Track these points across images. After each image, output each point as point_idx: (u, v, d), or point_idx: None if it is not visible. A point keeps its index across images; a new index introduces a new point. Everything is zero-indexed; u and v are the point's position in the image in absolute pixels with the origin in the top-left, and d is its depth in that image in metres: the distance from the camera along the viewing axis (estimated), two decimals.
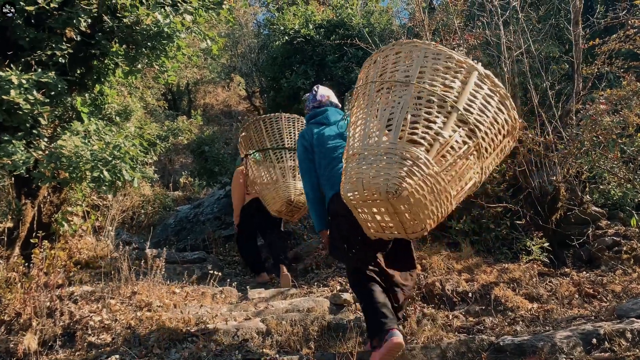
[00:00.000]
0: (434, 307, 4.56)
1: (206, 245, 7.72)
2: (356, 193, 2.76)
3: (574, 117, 5.63)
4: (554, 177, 5.48)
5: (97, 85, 5.58)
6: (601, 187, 5.68)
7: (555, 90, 6.08)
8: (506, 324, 4.00)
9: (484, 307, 4.53)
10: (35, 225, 5.13)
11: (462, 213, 5.73)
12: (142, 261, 5.76)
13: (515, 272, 4.97)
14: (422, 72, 2.72)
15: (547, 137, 4.97)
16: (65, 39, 4.65)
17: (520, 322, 3.96)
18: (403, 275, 3.32)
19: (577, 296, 4.46)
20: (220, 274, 6.02)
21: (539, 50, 6.47)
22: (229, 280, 5.87)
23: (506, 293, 4.58)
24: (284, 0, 10.94)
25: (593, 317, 3.88)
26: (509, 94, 2.80)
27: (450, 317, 4.33)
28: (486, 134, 2.72)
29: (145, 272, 4.72)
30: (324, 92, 3.90)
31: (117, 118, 11.07)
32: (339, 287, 5.08)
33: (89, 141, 4.46)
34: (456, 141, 2.64)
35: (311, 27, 9.36)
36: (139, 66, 4.92)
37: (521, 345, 3.01)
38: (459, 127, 2.67)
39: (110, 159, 4.46)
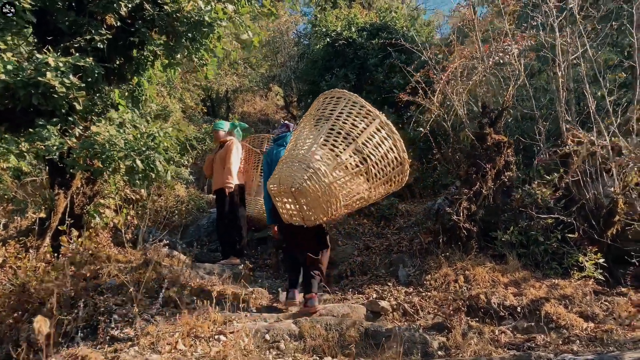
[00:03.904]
0: (478, 320, 4.23)
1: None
2: (274, 186, 3.94)
3: (634, 125, 5.22)
4: (612, 189, 5.08)
5: (135, 77, 5.49)
6: None
7: (614, 97, 5.68)
8: (560, 342, 3.64)
9: (533, 324, 4.17)
10: (66, 216, 5.05)
11: (508, 223, 5.38)
12: (172, 258, 5.64)
13: (566, 288, 4.60)
14: (341, 112, 3.85)
15: (606, 144, 4.60)
16: (105, 26, 4.56)
17: (577, 342, 3.60)
18: (318, 255, 4.34)
19: (638, 318, 4.06)
20: (251, 274, 5.87)
21: (596, 56, 6.08)
22: (259, 281, 5.67)
23: (558, 310, 4.22)
24: (327, 2, 10.80)
25: None
26: (401, 139, 3.80)
27: (497, 332, 4.00)
28: (376, 163, 3.78)
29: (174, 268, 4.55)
30: (292, 125, 5.03)
31: (156, 119, 11.10)
32: (375, 295, 4.80)
33: (123, 130, 4.34)
34: (350, 163, 3.73)
35: (353, 29, 9.16)
36: (178, 57, 4.78)
37: None
38: (354, 154, 3.75)
39: (144, 148, 4.32)
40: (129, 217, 5.36)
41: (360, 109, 3.79)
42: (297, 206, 3.87)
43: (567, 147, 4.92)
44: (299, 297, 4.40)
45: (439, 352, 3.20)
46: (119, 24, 4.39)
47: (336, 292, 5.02)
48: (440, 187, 8.01)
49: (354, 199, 3.85)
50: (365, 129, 3.73)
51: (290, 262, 4.65)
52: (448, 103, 5.63)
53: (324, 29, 9.23)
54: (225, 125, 6.66)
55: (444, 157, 6.09)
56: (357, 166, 3.74)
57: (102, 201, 5.19)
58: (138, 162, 4.13)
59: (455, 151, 5.58)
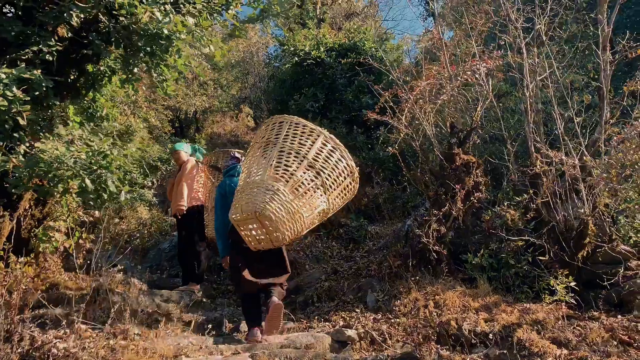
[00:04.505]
0: (448, 348, 4.04)
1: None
2: (237, 215, 3.94)
3: (602, 146, 5.18)
4: (582, 210, 5.01)
5: (90, 93, 5.22)
6: (635, 223, 5.16)
7: (581, 119, 5.66)
8: None
9: (505, 351, 3.99)
10: (12, 240, 4.70)
11: (479, 246, 5.25)
12: (126, 284, 5.31)
13: (538, 313, 4.45)
14: (287, 134, 4.08)
15: (577, 163, 4.52)
16: (57, 37, 4.31)
17: None
18: (278, 279, 4.36)
19: (614, 342, 3.92)
20: (209, 302, 5.57)
21: (563, 77, 6.08)
22: (220, 309, 5.38)
23: (530, 336, 4.05)
24: (296, 21, 10.71)
25: None
26: (346, 150, 4.19)
27: None
28: (329, 175, 4.05)
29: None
30: (239, 155, 5.11)
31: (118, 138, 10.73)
32: (341, 323, 4.57)
33: (73, 147, 4.06)
34: (305, 179, 3.94)
35: (322, 49, 9.07)
36: (135, 70, 4.53)
37: None
38: (308, 170, 3.98)
39: (95, 167, 4.04)
40: (81, 241, 5.02)
41: (303, 128, 4.08)
42: (264, 230, 3.94)
43: (537, 167, 4.83)
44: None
45: None
46: (70, 35, 4.13)
47: (301, 320, 4.77)
48: (411, 208, 7.89)
49: (315, 212, 4.07)
50: (312, 145, 4.01)
51: (250, 302, 4.31)
52: (416, 122, 5.52)
53: (292, 48, 9.11)
54: (185, 147, 6.41)
55: (413, 178, 5.96)
56: (313, 180, 3.98)
57: (51, 224, 4.84)
58: (87, 181, 3.84)
59: (424, 172, 5.45)
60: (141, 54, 4.64)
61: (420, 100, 5.55)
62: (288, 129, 4.10)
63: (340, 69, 8.71)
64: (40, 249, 4.91)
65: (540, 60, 5.61)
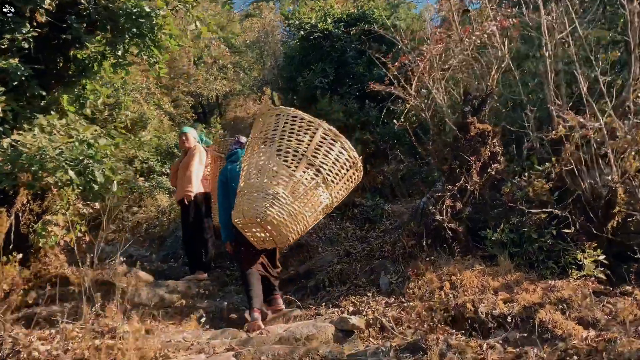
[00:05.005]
0: (464, 333, 3.74)
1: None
2: (240, 219, 4.03)
3: (632, 106, 4.72)
4: (609, 177, 4.58)
5: (82, 80, 5.01)
6: None
7: (608, 79, 5.17)
8: (555, 358, 3.15)
9: (526, 335, 3.67)
10: (12, 237, 4.59)
11: (499, 221, 4.88)
12: (130, 276, 5.16)
13: (564, 290, 4.09)
14: (284, 130, 3.96)
15: (600, 126, 4.11)
16: (36, 23, 4.09)
17: (575, 356, 3.10)
18: (274, 270, 4.66)
19: None
20: (217, 291, 5.39)
21: (586, 34, 5.58)
22: (229, 297, 5.19)
23: (554, 317, 3.71)
24: None
25: None
26: (347, 141, 4.06)
27: (485, 347, 3.50)
28: (330, 170, 3.99)
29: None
30: (244, 140, 5.00)
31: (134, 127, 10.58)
32: (351, 308, 4.31)
33: (55, 138, 3.86)
34: (306, 179, 3.91)
35: (330, 21, 8.66)
36: (120, 53, 4.30)
37: None
38: (307, 168, 3.93)
39: (81, 158, 3.84)
40: (80, 234, 4.87)
41: (301, 122, 3.98)
42: (267, 233, 4.05)
43: (557, 131, 4.42)
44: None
45: None
46: (45, 19, 3.91)
47: (310, 307, 4.54)
48: (430, 184, 7.53)
49: (319, 209, 4.10)
50: (311, 140, 3.94)
51: (252, 279, 4.39)
52: (424, 91, 5.14)
53: (297, 22, 8.74)
54: (193, 132, 6.23)
55: (426, 152, 5.60)
56: (313, 179, 3.94)
57: (49, 218, 4.70)
58: (71, 173, 3.65)
59: (437, 144, 5.09)
60: (127, 36, 4.40)
61: (430, 68, 5.16)
62: (285, 123, 4.00)
63: (349, 41, 8.31)
64: (40, 245, 4.80)
65: (559, 16, 5.13)
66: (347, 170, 4.11)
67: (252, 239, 4.17)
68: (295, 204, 3.85)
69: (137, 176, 10.39)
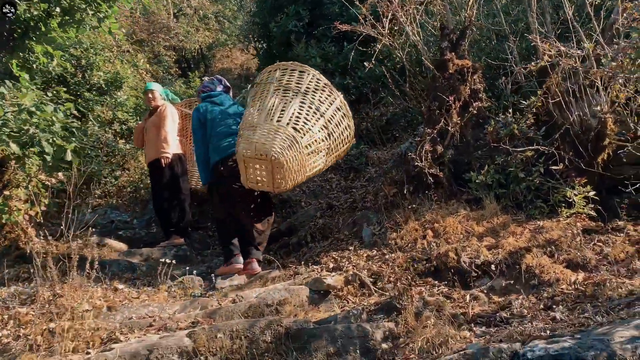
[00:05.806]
0: (447, 284, 3.56)
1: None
2: (249, 151, 3.99)
3: (621, 29, 4.36)
4: (598, 107, 4.29)
5: (30, 43, 4.64)
6: None
7: (597, 1, 4.78)
8: (541, 307, 2.96)
9: (512, 281, 3.49)
10: None
11: (483, 162, 4.63)
12: (103, 247, 4.97)
13: (553, 231, 3.89)
14: (308, 87, 4.13)
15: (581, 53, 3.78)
16: None
17: (560, 305, 2.92)
18: (262, 224, 4.51)
19: (637, 259, 3.37)
20: (195, 256, 5.20)
21: None
22: (207, 262, 5.01)
23: (541, 261, 3.51)
24: None
25: None
26: (352, 119, 4.34)
27: (468, 298, 3.32)
28: (336, 139, 4.22)
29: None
30: (228, 83, 5.01)
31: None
32: (332, 265, 4.12)
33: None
34: (318, 137, 4.08)
35: None
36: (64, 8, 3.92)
37: (559, 359, 1.95)
38: (322, 129, 4.11)
39: (26, 127, 3.54)
40: (44, 207, 4.63)
41: (324, 86, 4.18)
42: (267, 174, 4.05)
43: (539, 62, 4.10)
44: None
45: (384, 345, 2.51)
46: None
47: (290, 266, 4.34)
48: (416, 128, 7.23)
49: (314, 170, 4.27)
50: (330, 106, 4.15)
51: (226, 231, 4.45)
52: (396, 28, 4.76)
53: None
54: (159, 87, 5.88)
55: (404, 94, 5.28)
56: (323, 141, 4.13)
57: (7, 193, 4.45)
58: (13, 145, 3.36)
59: (414, 85, 4.76)
60: None
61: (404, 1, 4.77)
62: (310, 81, 4.15)
63: None
64: (4, 221, 4.57)
65: None
66: (344, 145, 4.37)
67: (245, 176, 4.12)
68: (306, 157, 4.01)
69: (118, 139, 10.03)
